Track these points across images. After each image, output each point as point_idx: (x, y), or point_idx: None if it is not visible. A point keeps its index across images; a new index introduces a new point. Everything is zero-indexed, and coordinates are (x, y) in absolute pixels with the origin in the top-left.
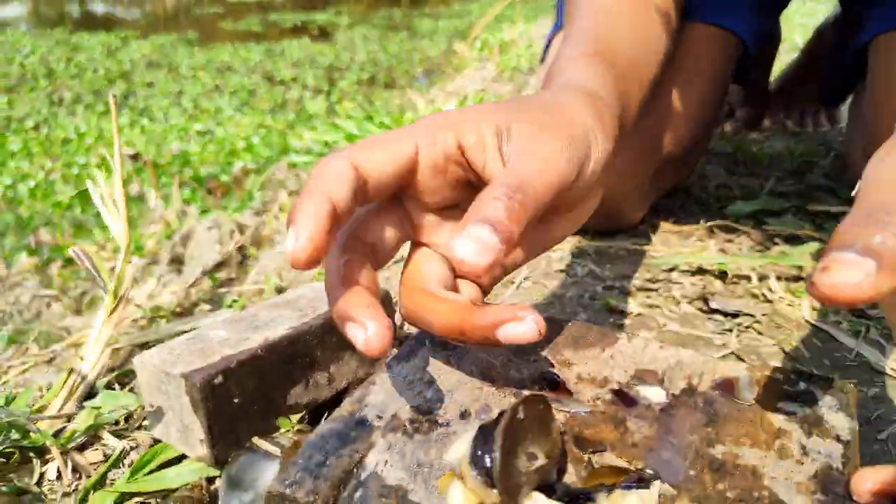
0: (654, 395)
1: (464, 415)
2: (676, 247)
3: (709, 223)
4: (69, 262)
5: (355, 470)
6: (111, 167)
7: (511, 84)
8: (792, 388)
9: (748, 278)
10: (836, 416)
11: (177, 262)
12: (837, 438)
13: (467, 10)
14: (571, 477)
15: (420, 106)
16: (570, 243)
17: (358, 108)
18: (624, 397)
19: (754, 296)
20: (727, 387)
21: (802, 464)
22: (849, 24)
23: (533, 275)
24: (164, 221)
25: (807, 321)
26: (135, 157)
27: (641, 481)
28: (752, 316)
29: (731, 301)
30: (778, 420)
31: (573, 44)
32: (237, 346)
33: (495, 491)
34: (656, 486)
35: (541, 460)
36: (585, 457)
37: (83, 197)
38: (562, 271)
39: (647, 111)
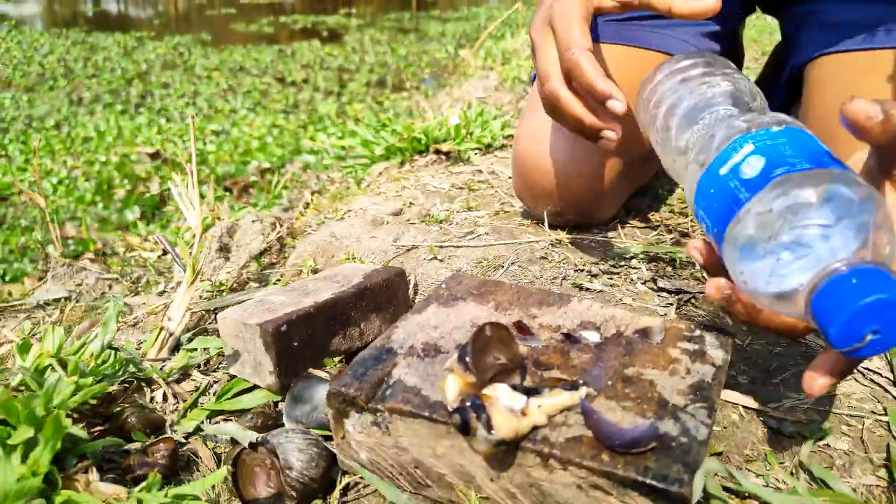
0: (591, 336)
1: (458, 347)
2: (639, 239)
3: (669, 220)
4: (98, 253)
5: (386, 378)
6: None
7: (512, 94)
8: (690, 333)
9: (693, 265)
10: (716, 352)
11: (224, 251)
12: (713, 364)
13: (474, 13)
14: (528, 383)
15: (428, 112)
16: (551, 236)
17: (367, 110)
18: (569, 337)
19: (696, 278)
20: (644, 333)
21: (685, 378)
22: (788, 46)
23: (519, 260)
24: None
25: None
26: (154, 156)
27: (574, 386)
28: (690, 293)
29: (676, 282)
30: (675, 352)
31: None
32: (294, 306)
33: (472, 374)
34: (583, 389)
35: (503, 360)
36: (539, 373)
37: (104, 194)
38: (542, 258)
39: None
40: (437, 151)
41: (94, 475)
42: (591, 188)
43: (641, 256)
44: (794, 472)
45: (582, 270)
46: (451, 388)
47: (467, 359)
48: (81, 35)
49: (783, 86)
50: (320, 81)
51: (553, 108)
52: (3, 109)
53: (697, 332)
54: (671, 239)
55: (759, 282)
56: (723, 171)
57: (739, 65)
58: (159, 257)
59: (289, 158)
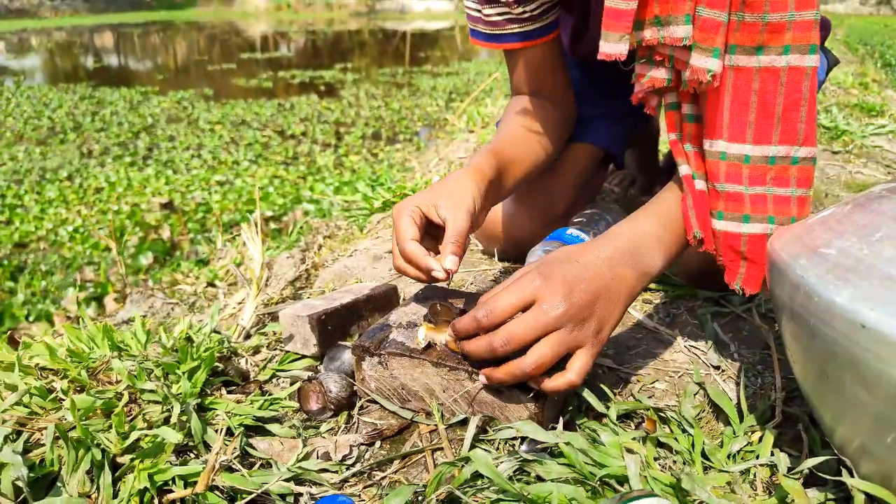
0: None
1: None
2: None
3: None
4: (119, 293)
5: (386, 338)
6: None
7: None
8: None
9: None
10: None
11: (265, 276)
12: None
13: (465, 68)
14: None
15: (416, 169)
16: (497, 266)
17: (363, 162)
18: None
19: None
20: None
21: None
22: None
23: (476, 282)
24: (235, 256)
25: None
26: (167, 206)
27: None
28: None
29: None
30: None
31: (484, 147)
32: (328, 305)
33: (432, 324)
34: None
35: (444, 318)
36: None
37: (118, 241)
38: (493, 280)
39: (540, 186)
40: None
41: (223, 391)
42: (528, 233)
43: None
44: (627, 398)
45: None
46: (421, 333)
47: (429, 315)
48: (88, 90)
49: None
50: (318, 134)
51: (403, 272)
52: (18, 162)
53: None
54: None
55: None
56: None
57: (654, 147)
58: (205, 289)
59: (290, 207)
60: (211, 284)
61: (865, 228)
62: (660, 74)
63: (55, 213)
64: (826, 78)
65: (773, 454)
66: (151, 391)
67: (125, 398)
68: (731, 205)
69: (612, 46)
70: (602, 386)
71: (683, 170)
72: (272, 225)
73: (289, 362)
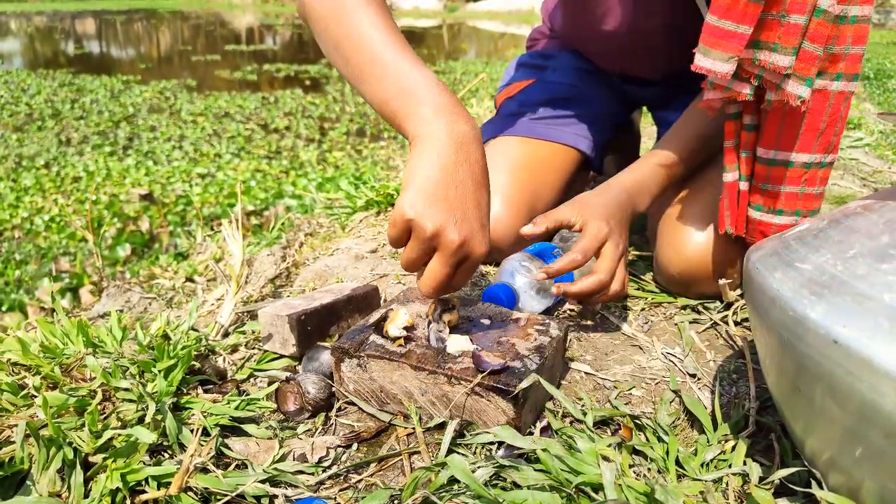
0: (485, 321)
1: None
2: None
3: None
4: (95, 285)
5: (365, 339)
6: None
7: None
8: (541, 321)
9: None
10: (554, 331)
11: (245, 274)
12: (551, 336)
13: (451, 67)
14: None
15: (400, 168)
16: (481, 269)
17: (347, 158)
18: (472, 322)
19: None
20: (516, 320)
21: (532, 343)
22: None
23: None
24: (215, 251)
25: (599, 312)
26: (147, 197)
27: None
28: (573, 310)
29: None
30: (530, 330)
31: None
32: (307, 305)
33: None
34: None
35: (454, 314)
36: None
37: (95, 231)
38: (473, 283)
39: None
40: None
41: (199, 390)
42: (505, 239)
43: None
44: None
45: None
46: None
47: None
48: (68, 77)
49: None
50: (302, 129)
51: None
52: None
53: (546, 321)
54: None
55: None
56: None
57: (636, 151)
58: (184, 284)
59: (272, 202)
60: (190, 279)
61: (840, 244)
62: (744, 90)
63: (31, 202)
64: None
65: (745, 463)
66: (126, 389)
67: (99, 396)
68: (768, 201)
69: (715, 64)
70: (579, 392)
71: (729, 177)
72: (253, 220)
73: (267, 362)
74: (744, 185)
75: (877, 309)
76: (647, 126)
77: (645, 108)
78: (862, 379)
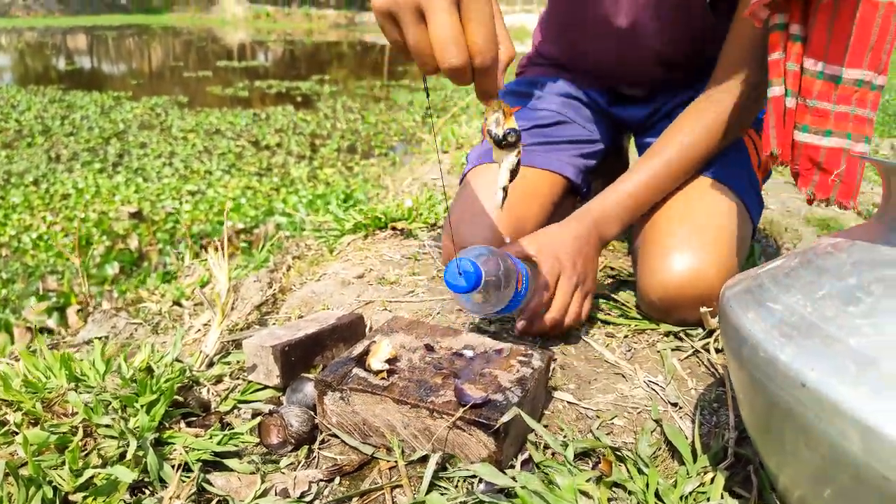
0: (468, 353)
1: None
2: None
3: None
4: (82, 305)
5: (348, 372)
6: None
7: (458, 179)
8: (524, 352)
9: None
10: (537, 361)
11: (231, 301)
12: (533, 368)
13: (442, 83)
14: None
15: (390, 188)
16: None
17: (338, 175)
18: (456, 353)
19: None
20: (499, 351)
21: (515, 374)
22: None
23: (443, 311)
24: (202, 274)
25: (582, 339)
26: (136, 215)
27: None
28: (557, 338)
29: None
30: (513, 362)
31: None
32: (292, 335)
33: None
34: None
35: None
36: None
37: (83, 249)
38: (459, 310)
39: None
40: (394, 228)
41: (182, 424)
42: None
43: None
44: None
45: (485, 318)
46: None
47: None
48: (59, 93)
49: None
50: (293, 146)
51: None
52: None
53: (529, 351)
54: None
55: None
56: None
57: (625, 155)
58: (171, 308)
59: (262, 219)
60: (177, 303)
61: (811, 285)
62: None
63: (19, 219)
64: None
65: (723, 496)
66: (107, 426)
67: (80, 433)
68: (816, 119)
69: None
70: (561, 423)
71: (775, 91)
72: (243, 237)
73: (251, 392)
74: (790, 102)
75: (844, 352)
76: (633, 154)
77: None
78: (830, 423)
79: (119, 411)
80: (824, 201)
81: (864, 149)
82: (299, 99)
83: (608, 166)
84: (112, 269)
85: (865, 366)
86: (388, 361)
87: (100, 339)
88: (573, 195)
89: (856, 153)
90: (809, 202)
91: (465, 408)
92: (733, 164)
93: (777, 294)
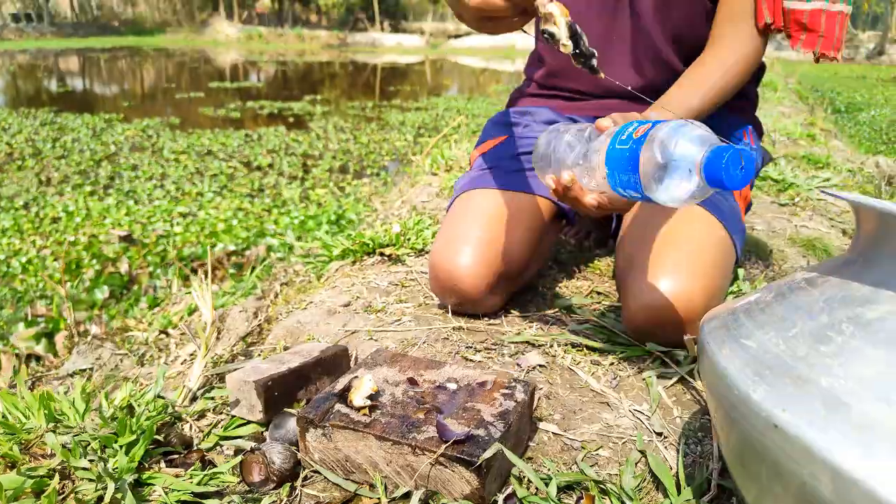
0: (451, 386)
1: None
2: (516, 326)
3: (540, 311)
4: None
5: (330, 409)
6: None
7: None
8: (508, 384)
9: (549, 345)
10: (520, 394)
11: (218, 332)
12: (516, 401)
13: (434, 103)
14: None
15: (380, 211)
16: (454, 323)
17: (330, 195)
18: (439, 386)
19: (547, 353)
20: (482, 384)
21: (498, 408)
22: None
23: (429, 340)
24: (189, 303)
25: (568, 367)
26: (127, 238)
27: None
28: (543, 366)
29: (532, 357)
30: (496, 395)
31: None
32: (275, 370)
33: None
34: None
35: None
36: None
37: (73, 273)
38: (445, 338)
39: (497, 236)
40: (381, 254)
41: (162, 464)
42: (476, 289)
43: (513, 339)
44: (571, 467)
45: (471, 347)
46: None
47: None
48: (50, 115)
49: (617, 214)
50: (285, 166)
51: None
52: None
53: (512, 383)
54: (537, 325)
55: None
56: (617, 145)
57: None
58: (157, 337)
59: (253, 241)
60: (164, 332)
61: (784, 322)
62: None
63: (8, 243)
64: (759, 172)
65: None
66: (85, 468)
67: (57, 477)
68: None
69: None
70: (545, 456)
71: None
72: (234, 259)
73: (234, 428)
74: None
75: (815, 393)
76: None
77: None
78: (801, 464)
79: (98, 452)
80: (812, 53)
81: (839, 7)
82: (291, 119)
83: None
84: (101, 294)
85: (835, 408)
86: (371, 397)
87: (84, 371)
88: (560, 220)
89: (833, 11)
90: (817, 60)
91: (447, 444)
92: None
93: (752, 330)
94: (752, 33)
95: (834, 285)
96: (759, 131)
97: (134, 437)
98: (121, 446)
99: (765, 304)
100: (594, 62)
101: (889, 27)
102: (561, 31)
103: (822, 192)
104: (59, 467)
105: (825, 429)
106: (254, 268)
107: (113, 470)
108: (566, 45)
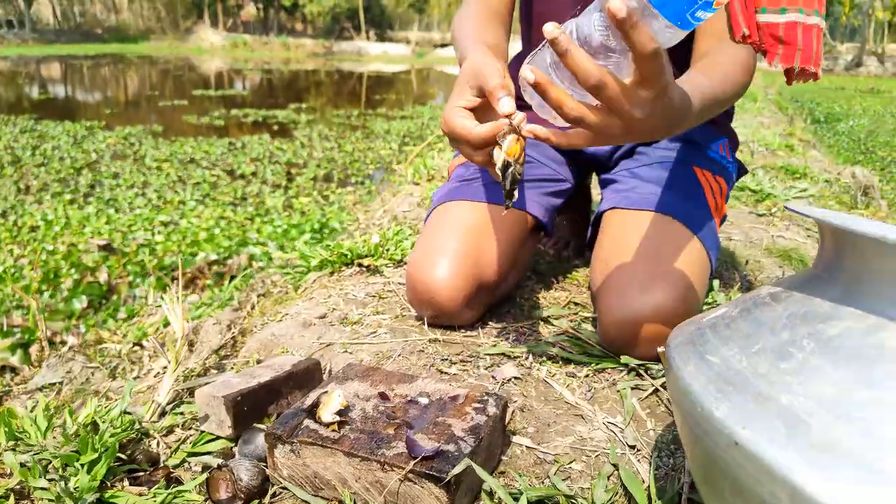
0: (423, 400)
1: (342, 413)
2: (492, 337)
3: (517, 323)
4: (50, 343)
5: (299, 424)
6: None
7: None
8: (480, 398)
9: (525, 356)
10: (492, 408)
11: (191, 345)
12: (488, 415)
13: (419, 112)
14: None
15: (361, 221)
16: (429, 336)
17: (314, 204)
18: (410, 401)
19: (523, 365)
20: (454, 398)
21: (469, 423)
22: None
23: (404, 353)
24: (164, 316)
25: (543, 379)
26: (106, 247)
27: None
28: (519, 378)
29: (507, 370)
30: (468, 409)
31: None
32: (245, 384)
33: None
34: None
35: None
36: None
37: (51, 282)
38: (420, 351)
39: (475, 248)
40: (360, 265)
41: (126, 482)
42: (453, 301)
43: (489, 352)
44: (543, 481)
45: (446, 360)
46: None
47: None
48: (30, 122)
49: (592, 224)
50: (269, 175)
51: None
52: None
53: (484, 397)
54: (513, 337)
55: None
56: None
57: (587, 210)
58: (131, 349)
59: (236, 250)
60: (138, 344)
61: (747, 338)
62: None
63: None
64: (735, 182)
65: None
66: (44, 488)
67: (13, 498)
68: (772, 0)
69: None
70: (517, 470)
71: None
72: (216, 268)
73: (203, 444)
74: None
75: (775, 410)
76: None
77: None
78: (761, 482)
79: (59, 471)
80: (790, 69)
81: (815, 20)
82: (276, 127)
83: (569, 201)
84: (80, 304)
85: (795, 426)
86: (341, 412)
87: (53, 385)
88: (538, 233)
89: (809, 24)
90: (788, 80)
91: (416, 460)
92: (692, 206)
93: (717, 346)
94: (738, 45)
95: (797, 301)
96: (734, 144)
97: (96, 454)
98: (82, 465)
99: (730, 320)
100: (509, 201)
101: (866, 39)
102: (497, 164)
103: (787, 208)
104: (17, 487)
105: (785, 447)
106: (233, 277)
107: (73, 489)
108: (497, 175)
